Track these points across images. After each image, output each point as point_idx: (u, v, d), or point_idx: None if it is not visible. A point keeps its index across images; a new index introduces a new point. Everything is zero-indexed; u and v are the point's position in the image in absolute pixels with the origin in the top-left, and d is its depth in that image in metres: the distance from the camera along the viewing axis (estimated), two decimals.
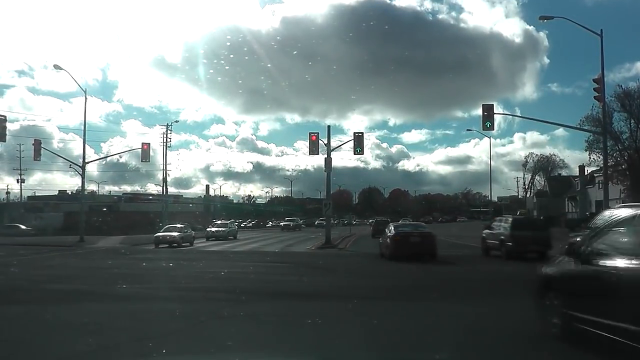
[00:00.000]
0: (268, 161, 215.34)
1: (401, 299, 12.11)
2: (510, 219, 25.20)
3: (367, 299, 11.72)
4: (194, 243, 38.52)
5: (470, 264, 21.99)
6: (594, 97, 30.20)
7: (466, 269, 20.04)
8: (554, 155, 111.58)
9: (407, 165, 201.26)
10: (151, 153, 45.29)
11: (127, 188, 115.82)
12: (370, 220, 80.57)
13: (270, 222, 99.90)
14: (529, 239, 22.30)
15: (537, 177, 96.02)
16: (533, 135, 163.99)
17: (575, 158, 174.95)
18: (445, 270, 19.32)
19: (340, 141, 63.43)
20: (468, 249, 30.16)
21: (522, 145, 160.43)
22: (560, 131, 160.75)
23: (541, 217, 64.81)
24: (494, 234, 24.89)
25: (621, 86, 44.04)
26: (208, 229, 48.04)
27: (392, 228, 24.06)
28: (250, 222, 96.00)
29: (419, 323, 8.98)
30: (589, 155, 44.29)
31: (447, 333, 7.86)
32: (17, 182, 78.02)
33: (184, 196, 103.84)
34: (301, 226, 76.51)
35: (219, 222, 52.66)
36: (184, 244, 35.60)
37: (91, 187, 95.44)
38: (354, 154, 36.69)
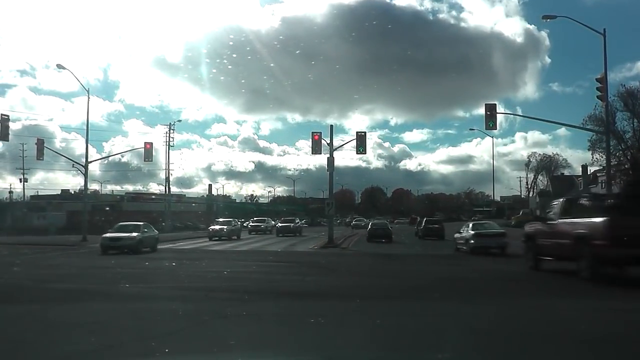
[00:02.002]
0: (270, 161, 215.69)
1: (404, 298, 12.09)
2: None
3: (370, 299, 11.71)
4: (194, 244, 36.57)
5: (473, 263, 21.99)
6: (597, 96, 30.17)
7: (468, 268, 20.01)
8: (557, 154, 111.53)
9: (409, 164, 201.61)
10: (153, 152, 45.41)
11: (129, 187, 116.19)
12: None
13: (273, 222, 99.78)
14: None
15: (539, 177, 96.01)
16: (535, 135, 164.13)
17: (577, 157, 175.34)
18: (448, 270, 19.32)
19: (343, 140, 63.66)
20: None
21: (524, 144, 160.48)
22: (562, 130, 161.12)
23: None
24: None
25: (624, 85, 44.02)
26: (210, 228, 46.00)
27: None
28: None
29: (422, 322, 8.96)
30: (592, 154, 44.31)
31: (450, 332, 7.84)
32: (20, 181, 78.26)
33: (186, 195, 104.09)
34: (301, 228, 55.05)
35: (221, 220, 49.60)
36: (143, 249, 27.69)
37: (94, 186, 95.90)
38: (357, 153, 36.79)
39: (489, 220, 38.54)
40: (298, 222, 55.14)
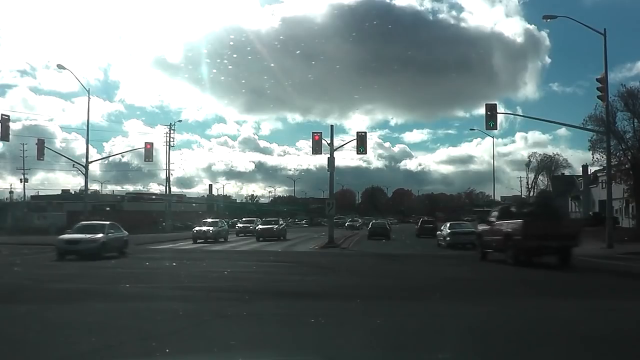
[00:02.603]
0: (270, 161, 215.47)
1: (404, 298, 12.09)
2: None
3: (370, 299, 11.71)
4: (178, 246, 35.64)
5: (474, 263, 21.99)
6: (598, 96, 30.15)
7: (469, 268, 20.02)
8: (557, 154, 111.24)
9: (410, 164, 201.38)
10: (153, 153, 45.43)
11: (130, 187, 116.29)
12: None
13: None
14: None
15: (540, 177, 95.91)
16: (535, 135, 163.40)
17: (577, 157, 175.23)
18: (449, 270, 19.32)
19: (343, 140, 63.71)
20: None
21: (524, 144, 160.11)
22: (562, 130, 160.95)
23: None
24: None
25: (624, 85, 43.82)
26: (194, 229, 41.42)
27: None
28: None
29: (422, 322, 8.96)
30: (592, 154, 44.15)
31: (450, 333, 7.84)
32: (21, 181, 78.13)
33: (187, 196, 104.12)
34: (285, 231, 46.52)
35: (208, 220, 44.40)
36: (106, 254, 23.36)
37: (94, 186, 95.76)
38: (357, 153, 36.79)
39: (464, 221, 43.33)
40: (282, 225, 46.56)
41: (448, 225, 34.69)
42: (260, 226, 45.30)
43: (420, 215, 76.00)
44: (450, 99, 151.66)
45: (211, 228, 40.30)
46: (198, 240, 38.96)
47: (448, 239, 32.31)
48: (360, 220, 77.89)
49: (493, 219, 22.21)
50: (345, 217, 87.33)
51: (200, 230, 40.19)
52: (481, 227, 23.60)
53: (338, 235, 41.50)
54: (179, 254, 27.60)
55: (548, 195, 51.24)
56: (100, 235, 24.23)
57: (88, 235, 24.03)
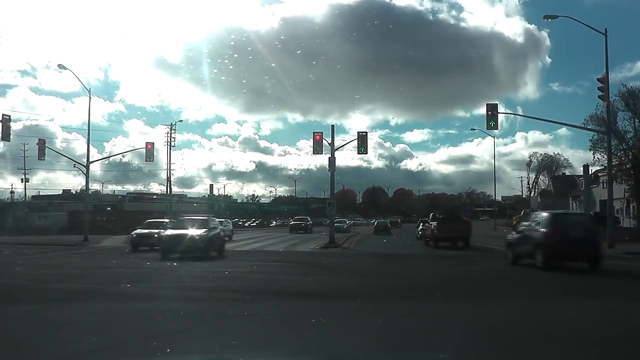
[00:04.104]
0: (271, 160, 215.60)
1: (405, 298, 12.09)
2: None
3: (371, 298, 11.70)
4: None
5: (475, 263, 21.99)
6: (598, 96, 30.12)
7: (470, 268, 20.01)
8: (558, 154, 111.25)
9: (410, 164, 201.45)
10: (154, 152, 45.44)
11: (130, 187, 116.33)
12: (373, 220, 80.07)
13: (274, 222, 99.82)
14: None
15: (541, 177, 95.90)
16: (535, 135, 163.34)
17: (578, 157, 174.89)
18: (449, 270, 19.31)
19: (343, 140, 63.59)
20: (473, 249, 30.21)
21: (525, 144, 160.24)
22: (562, 130, 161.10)
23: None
24: None
25: (625, 85, 43.89)
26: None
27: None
28: (254, 222, 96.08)
29: (423, 322, 8.96)
30: (593, 154, 44.22)
31: (452, 332, 7.85)
32: (21, 181, 77.95)
33: (187, 195, 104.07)
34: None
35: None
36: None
37: (95, 186, 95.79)
38: (358, 153, 36.76)
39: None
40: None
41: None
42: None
43: (421, 217, 75.95)
44: (450, 99, 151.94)
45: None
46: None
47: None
48: (348, 222, 75.29)
49: (427, 220, 38.30)
50: (344, 218, 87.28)
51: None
52: (426, 225, 37.85)
53: (339, 235, 41.47)
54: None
55: (454, 207, 76.76)
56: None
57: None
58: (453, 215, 36.40)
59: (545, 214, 19.98)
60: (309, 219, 63.88)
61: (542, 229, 18.49)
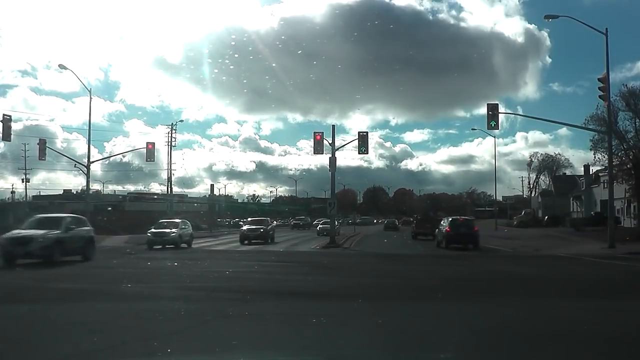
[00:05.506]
0: (271, 160, 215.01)
1: (406, 298, 12.09)
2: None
3: (372, 299, 11.70)
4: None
5: (474, 263, 22.01)
6: (599, 96, 30.13)
7: (470, 268, 20.02)
8: (559, 154, 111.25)
9: (410, 164, 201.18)
10: (155, 152, 45.43)
11: (131, 187, 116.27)
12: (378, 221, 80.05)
13: (275, 222, 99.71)
14: None
15: (541, 177, 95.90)
16: (536, 135, 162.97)
17: (579, 157, 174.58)
18: (450, 270, 19.31)
19: (344, 140, 63.66)
20: (474, 249, 30.21)
21: (525, 144, 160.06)
22: (563, 130, 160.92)
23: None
24: None
25: (626, 85, 43.82)
26: (149, 232, 32.92)
27: None
28: None
29: (424, 322, 8.97)
30: (594, 154, 44.14)
31: (452, 332, 7.85)
32: (22, 181, 78.05)
33: (188, 195, 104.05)
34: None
35: (165, 221, 35.69)
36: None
37: (95, 186, 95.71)
38: (359, 153, 36.74)
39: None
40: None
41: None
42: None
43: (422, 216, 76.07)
44: (450, 99, 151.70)
45: (166, 230, 32.60)
46: (154, 246, 31.42)
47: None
48: (337, 223, 74.05)
49: (413, 220, 56.33)
50: (346, 218, 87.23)
51: (155, 232, 32.76)
52: (414, 223, 49.60)
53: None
54: (180, 254, 27.59)
55: (428, 210, 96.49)
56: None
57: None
58: (427, 217, 54.27)
59: (447, 219, 33.87)
60: (309, 219, 77.35)
61: (444, 227, 32.10)
